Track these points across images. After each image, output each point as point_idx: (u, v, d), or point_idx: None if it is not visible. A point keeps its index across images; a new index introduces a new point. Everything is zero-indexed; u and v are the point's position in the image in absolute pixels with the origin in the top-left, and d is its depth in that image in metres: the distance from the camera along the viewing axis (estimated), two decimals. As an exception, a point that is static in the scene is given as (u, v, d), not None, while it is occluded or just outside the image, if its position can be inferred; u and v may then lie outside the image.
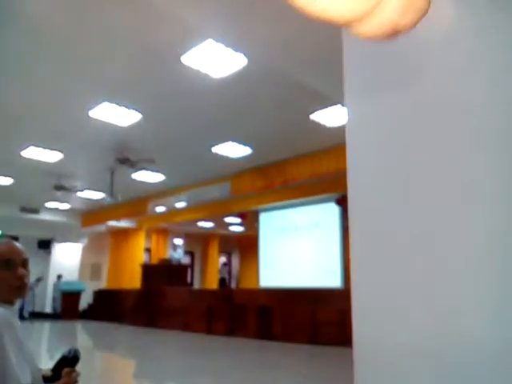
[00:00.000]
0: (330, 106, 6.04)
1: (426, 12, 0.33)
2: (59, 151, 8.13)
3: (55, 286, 13.81)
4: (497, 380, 1.31)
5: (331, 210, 11.04)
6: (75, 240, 14.86)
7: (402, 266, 1.58)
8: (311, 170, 8.13)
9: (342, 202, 10.49)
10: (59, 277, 13.90)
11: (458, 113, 1.53)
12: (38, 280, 13.64)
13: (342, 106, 5.52)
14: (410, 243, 1.58)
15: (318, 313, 7.85)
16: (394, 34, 0.34)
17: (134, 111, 6.33)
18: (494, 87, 1.47)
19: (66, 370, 1.53)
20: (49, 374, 1.63)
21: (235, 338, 8.71)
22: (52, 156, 8.33)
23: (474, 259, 1.43)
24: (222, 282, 16.15)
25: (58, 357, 1.54)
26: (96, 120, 6.57)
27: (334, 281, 10.61)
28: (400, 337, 1.55)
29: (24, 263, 1.62)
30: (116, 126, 6.80)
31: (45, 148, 7.97)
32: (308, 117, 6.51)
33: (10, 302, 1.51)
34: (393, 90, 1.74)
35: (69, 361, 1.59)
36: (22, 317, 13.11)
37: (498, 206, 1.40)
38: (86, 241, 15.21)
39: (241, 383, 4.83)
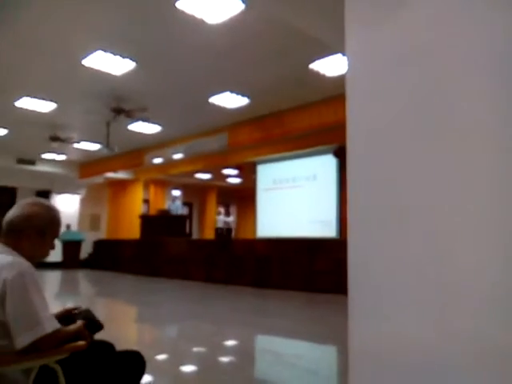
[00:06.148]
0: (330, 54, 5.87)
1: None
2: (53, 101, 7.97)
3: (60, 235, 14.00)
4: (498, 381, 1.32)
5: (329, 161, 11.03)
6: (73, 191, 14.91)
7: (399, 216, 1.61)
8: (309, 121, 8.03)
9: (340, 154, 10.46)
10: (68, 226, 14.01)
11: (464, 61, 1.49)
12: (68, 227, 13.92)
13: (343, 55, 5.37)
14: (409, 194, 1.59)
15: (314, 262, 8.05)
16: None
17: (129, 60, 6.14)
18: None
19: (87, 331, 1.60)
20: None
21: (233, 287, 8.98)
22: (46, 106, 8.18)
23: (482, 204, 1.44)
24: (220, 232, 16.13)
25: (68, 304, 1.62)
26: (89, 68, 6.39)
27: (329, 231, 10.80)
28: (396, 283, 1.60)
29: None
30: (110, 74, 6.63)
31: (39, 98, 7.82)
32: (307, 66, 6.34)
33: (33, 263, 1.57)
34: (395, 39, 1.68)
35: (93, 326, 1.65)
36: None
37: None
38: (84, 192, 15.26)
39: (239, 327, 5.03)
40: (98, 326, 1.68)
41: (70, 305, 1.77)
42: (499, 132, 1.39)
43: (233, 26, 5.09)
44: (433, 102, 1.54)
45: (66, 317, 1.70)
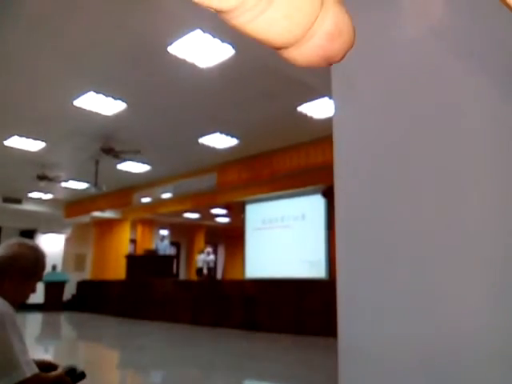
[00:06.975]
0: (318, 98, 6.05)
1: (351, 46, 0.35)
2: (42, 140, 8.00)
3: (44, 276, 13.66)
4: (494, 381, 1.31)
5: (317, 201, 11.09)
6: (59, 231, 14.68)
7: (389, 258, 1.61)
8: (298, 162, 8.15)
9: (328, 194, 10.55)
10: (54, 267, 13.66)
11: (451, 108, 1.55)
12: (54, 269, 13.60)
13: (330, 98, 5.54)
14: (398, 233, 1.60)
15: (303, 303, 7.92)
16: (325, 61, 0.35)
17: (120, 101, 6.24)
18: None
19: (68, 378, 1.56)
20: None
21: (221, 329, 8.75)
22: (35, 145, 8.20)
23: (472, 253, 1.45)
24: (200, 272, 15.33)
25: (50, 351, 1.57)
26: (80, 109, 6.47)
27: (318, 272, 10.70)
28: (387, 330, 1.58)
29: None
30: (100, 114, 6.71)
31: (28, 137, 7.84)
32: (295, 109, 6.51)
33: (14, 306, 1.54)
34: (381, 82, 1.75)
35: (74, 375, 1.64)
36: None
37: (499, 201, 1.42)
38: (69, 231, 15.02)
39: (227, 372, 4.86)
40: (81, 374, 1.63)
41: (49, 356, 1.73)
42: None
43: (223, 69, 5.25)
44: (421, 141, 1.58)
45: (47, 366, 1.65)
